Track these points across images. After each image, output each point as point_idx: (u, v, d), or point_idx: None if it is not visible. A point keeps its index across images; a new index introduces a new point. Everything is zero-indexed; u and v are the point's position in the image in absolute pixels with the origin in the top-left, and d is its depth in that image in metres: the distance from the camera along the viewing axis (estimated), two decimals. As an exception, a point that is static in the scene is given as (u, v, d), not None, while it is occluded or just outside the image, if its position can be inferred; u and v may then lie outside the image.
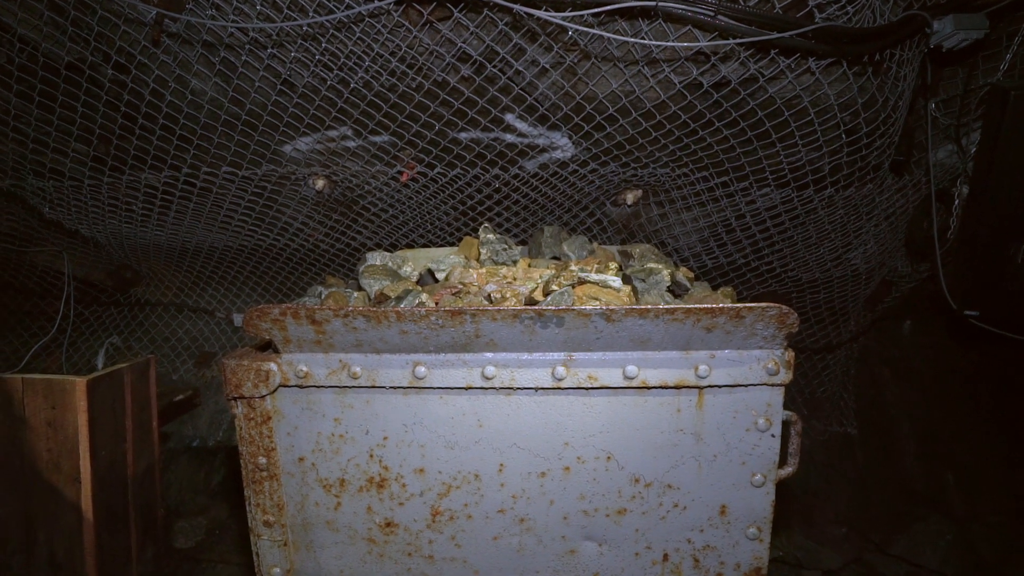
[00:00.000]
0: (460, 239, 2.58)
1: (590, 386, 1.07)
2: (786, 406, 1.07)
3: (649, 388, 1.04)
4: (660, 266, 1.41)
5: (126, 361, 2.07)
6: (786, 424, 1.08)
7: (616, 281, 1.28)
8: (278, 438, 1.23)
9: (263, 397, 1.20)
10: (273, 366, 1.18)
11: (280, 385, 1.19)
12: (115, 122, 2.03)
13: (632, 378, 1.04)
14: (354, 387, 1.17)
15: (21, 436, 1.83)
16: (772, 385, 1.04)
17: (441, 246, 2.62)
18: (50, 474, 1.87)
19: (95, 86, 1.92)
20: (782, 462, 1.08)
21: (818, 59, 1.63)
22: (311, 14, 1.56)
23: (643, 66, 1.63)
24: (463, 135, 2.01)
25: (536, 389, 1.11)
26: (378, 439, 1.19)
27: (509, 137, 2.06)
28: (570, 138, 2.10)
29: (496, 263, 1.64)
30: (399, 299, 1.26)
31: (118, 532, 2.06)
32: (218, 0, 1.60)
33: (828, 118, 1.79)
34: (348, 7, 1.53)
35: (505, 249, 1.65)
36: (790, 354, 1.04)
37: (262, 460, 1.25)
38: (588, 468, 1.11)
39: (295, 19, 1.56)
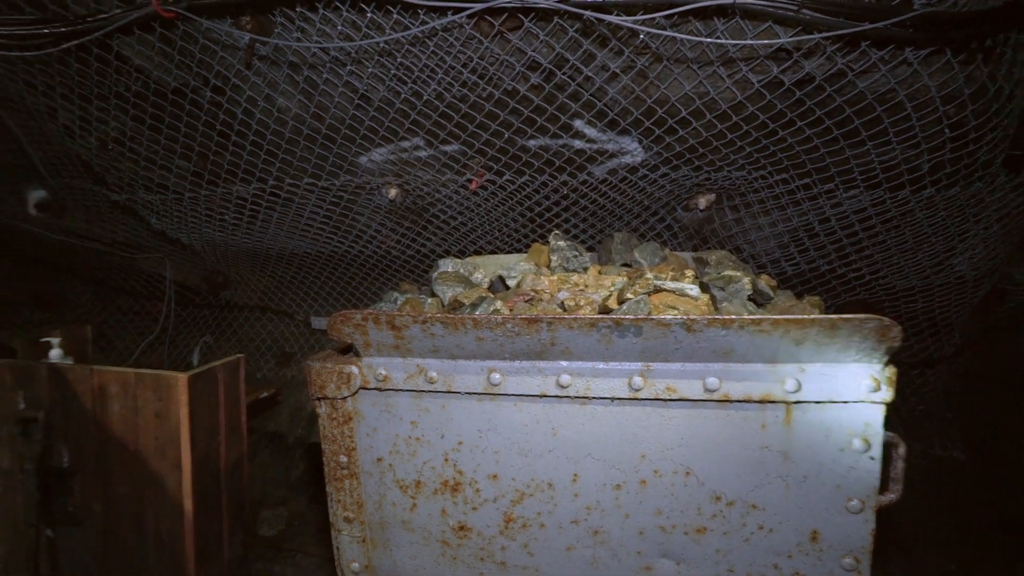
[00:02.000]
0: (527, 246, 2.60)
1: (668, 398, 1.04)
2: (886, 426, 0.99)
3: (731, 402, 1.00)
4: (739, 274, 1.35)
5: (217, 359, 2.23)
6: (888, 446, 0.99)
7: (694, 289, 1.24)
8: (358, 438, 1.29)
9: (345, 399, 1.26)
10: (354, 369, 1.23)
11: (361, 388, 1.24)
12: (212, 140, 2.21)
13: (713, 391, 1.00)
14: (430, 391, 1.20)
15: (136, 424, 2.02)
16: (871, 403, 0.97)
17: (508, 252, 2.65)
18: (157, 461, 2.05)
19: (196, 108, 2.10)
20: (883, 487, 1.00)
21: (917, 49, 1.50)
22: (387, 31, 1.62)
23: (718, 66, 1.58)
24: (532, 142, 2.02)
25: (612, 399, 1.09)
26: (453, 443, 1.21)
27: (578, 143, 2.05)
28: (640, 142, 2.06)
29: (567, 270, 1.63)
30: (474, 306, 1.29)
31: (212, 517, 2.22)
32: (303, 23, 1.70)
33: (928, 112, 1.65)
34: (423, 23, 1.59)
35: (576, 256, 1.64)
36: (892, 370, 0.97)
37: (343, 459, 1.31)
38: (666, 482, 1.07)
39: (372, 37, 1.64)
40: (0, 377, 2.11)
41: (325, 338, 3.66)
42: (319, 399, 1.29)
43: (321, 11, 1.59)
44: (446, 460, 1.23)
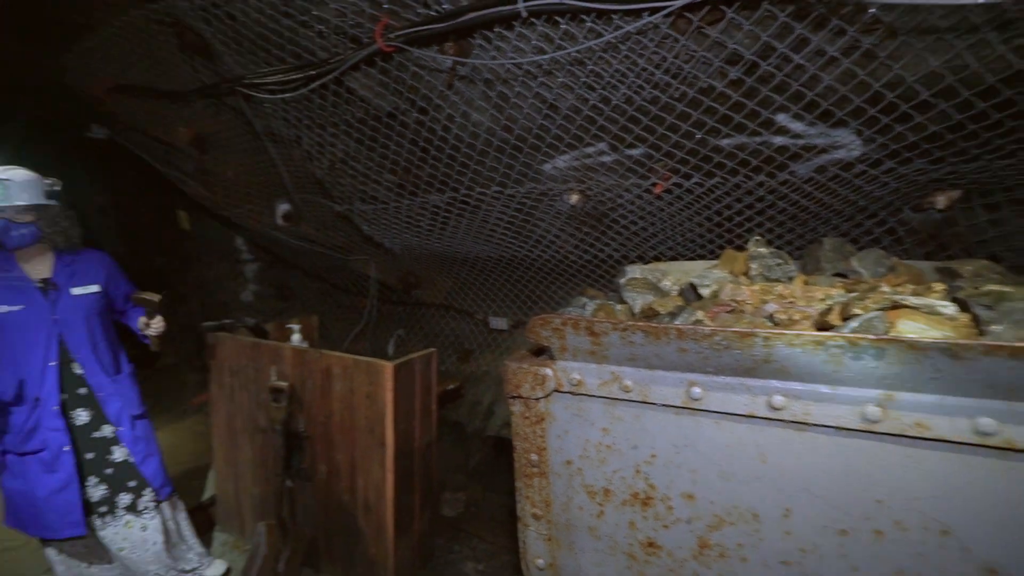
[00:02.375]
0: (712, 252, 2.43)
1: (918, 435, 0.87)
2: None
3: (1019, 451, 0.80)
4: (1013, 290, 1.09)
5: (408, 351, 2.50)
6: None
7: (948, 307, 1.03)
8: (549, 439, 1.32)
9: (538, 399, 1.31)
10: (549, 371, 1.27)
11: (554, 390, 1.28)
12: (415, 155, 2.48)
13: (989, 434, 0.81)
14: (624, 400, 1.18)
15: (352, 403, 2.36)
16: None
17: (690, 259, 2.51)
18: (367, 436, 2.37)
19: (403, 128, 2.38)
20: None
21: None
22: (580, 40, 1.65)
23: (987, 31, 1.29)
24: (725, 141, 1.88)
25: (838, 429, 0.96)
26: (646, 455, 1.18)
27: (779, 139, 1.86)
28: (859, 134, 1.79)
29: (768, 279, 1.48)
30: (672, 315, 1.24)
31: (408, 492, 2.49)
32: (499, 42, 1.81)
33: None
34: (617, 28, 1.58)
35: (779, 264, 1.48)
36: None
37: (534, 457, 1.35)
38: (911, 539, 0.91)
39: (565, 48, 1.68)
40: (260, 354, 2.64)
41: (501, 337, 3.87)
42: (514, 397, 1.36)
43: (517, 28, 1.67)
44: (637, 472, 1.20)
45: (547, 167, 2.26)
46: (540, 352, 1.44)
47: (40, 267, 2.15)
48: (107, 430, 2.22)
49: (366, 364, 2.30)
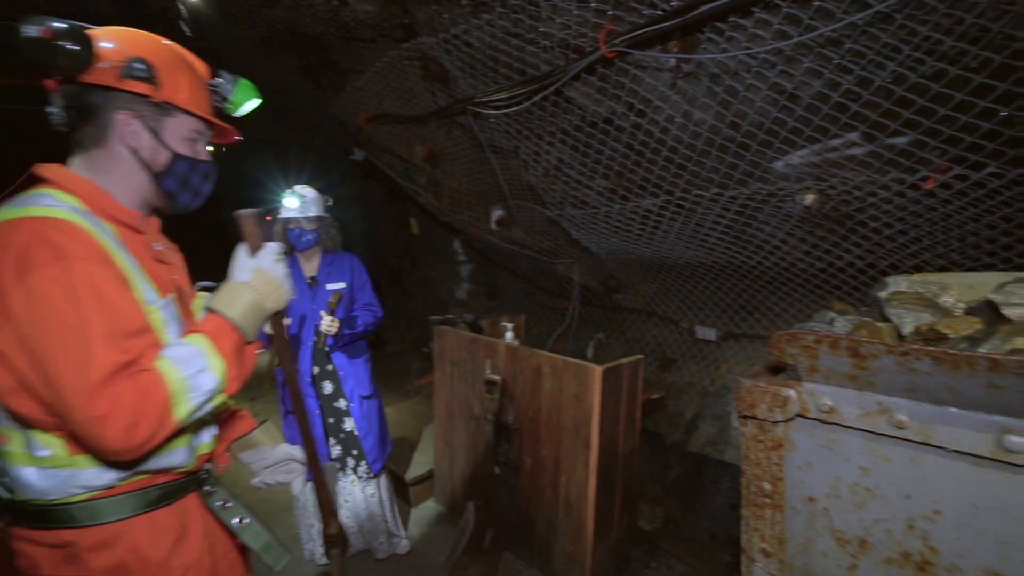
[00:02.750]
0: (1005, 260, 1.91)
1: None
2: None
3: None
4: None
5: (609, 355, 2.48)
6: None
7: None
8: (787, 469, 1.18)
9: (776, 423, 1.17)
10: (792, 393, 1.13)
11: (797, 415, 1.13)
12: (629, 159, 2.46)
13: None
14: (895, 438, 0.99)
15: (559, 402, 2.45)
16: None
17: (969, 269, 2.01)
18: (572, 436, 2.43)
19: (618, 132, 2.37)
20: None
21: None
22: (838, 16, 1.43)
23: None
24: (1045, 117, 1.45)
25: None
26: (925, 510, 0.97)
27: None
28: None
29: (1125, 299, 1.09)
30: (972, 340, 0.99)
31: (608, 496, 2.48)
32: (732, 33, 1.68)
33: None
34: (887, -6, 1.33)
35: None
36: None
37: (766, 486, 1.22)
38: None
39: (817, 27, 1.48)
40: (477, 348, 2.91)
41: (708, 348, 3.63)
42: (746, 417, 1.24)
43: (757, 14, 1.53)
44: (911, 528, 0.99)
45: (778, 165, 2.03)
46: (778, 370, 1.30)
47: (310, 265, 2.69)
48: (343, 403, 2.67)
49: (576, 366, 2.36)
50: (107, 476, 1.02)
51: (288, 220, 2.56)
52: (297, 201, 2.53)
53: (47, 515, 1.02)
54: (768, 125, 1.85)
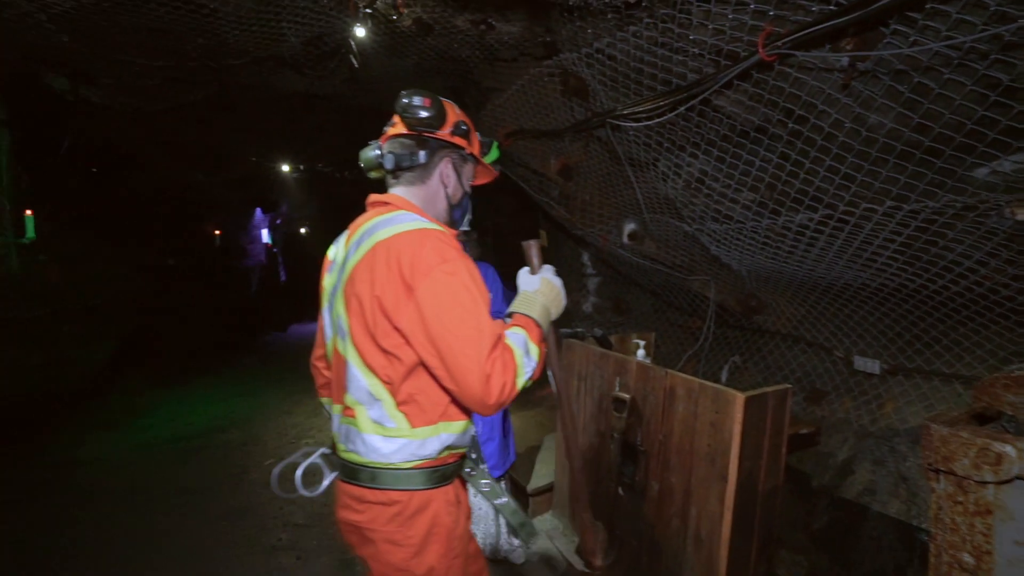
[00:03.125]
0: None
1: None
2: None
3: None
4: None
5: (745, 380, 2.26)
6: None
7: None
8: (998, 541, 0.97)
9: (984, 483, 0.98)
10: (1010, 450, 0.93)
11: (1016, 476, 0.93)
12: (783, 170, 2.25)
13: None
14: None
15: (693, 427, 2.30)
16: None
17: None
18: (706, 465, 2.27)
19: (773, 141, 2.19)
20: None
21: None
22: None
23: None
24: None
25: None
26: None
27: None
28: None
29: None
30: None
31: (744, 537, 2.27)
32: (927, 22, 1.46)
33: None
34: None
35: None
36: None
37: (966, 559, 1.02)
38: None
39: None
40: (606, 364, 2.85)
41: (869, 382, 3.18)
42: (938, 471, 1.05)
43: (963, -1, 1.31)
44: None
45: (981, 173, 1.72)
46: (985, 419, 1.09)
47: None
48: None
49: (714, 390, 2.20)
50: (429, 449, 1.26)
51: None
52: None
53: (381, 476, 1.26)
54: (970, 126, 1.57)
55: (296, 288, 12.18)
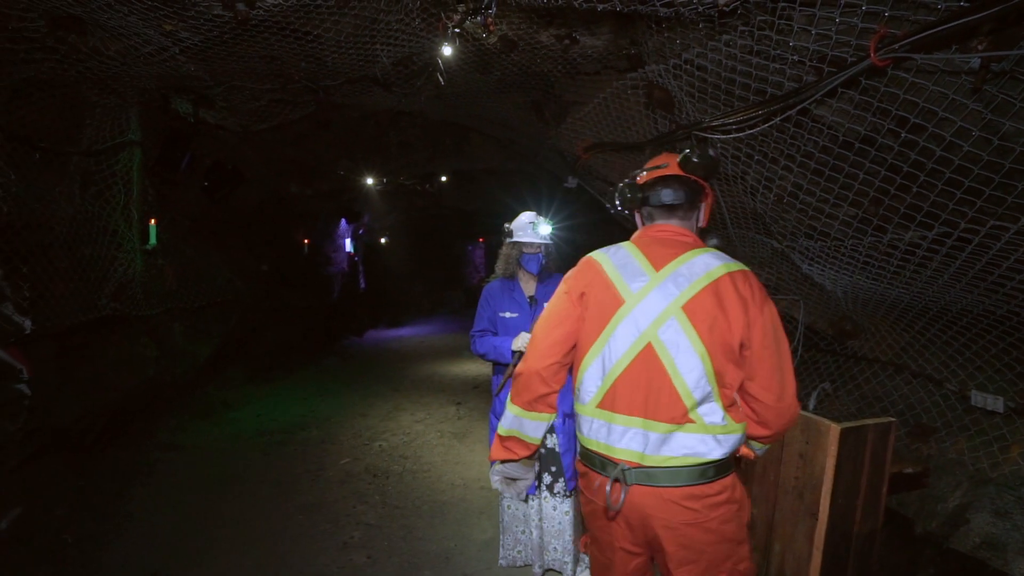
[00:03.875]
0: None
1: None
2: None
3: None
4: None
5: (835, 410, 2.07)
6: None
7: None
8: None
9: None
10: None
11: None
12: (893, 184, 2.07)
13: None
14: None
15: (779, 457, 2.15)
16: None
17: None
18: (793, 499, 2.10)
19: (881, 152, 2.02)
20: None
21: None
22: None
23: None
24: None
25: None
26: None
27: None
28: None
29: None
30: None
31: (837, 582, 2.08)
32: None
33: None
34: None
35: None
36: None
37: None
38: None
39: None
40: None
41: (988, 420, 2.83)
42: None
43: None
44: None
45: None
46: None
47: (529, 287, 2.83)
48: None
49: (804, 419, 2.04)
50: (734, 440, 1.48)
51: (525, 245, 2.74)
52: (548, 229, 2.72)
53: (714, 469, 1.45)
54: None
55: (374, 295, 12.76)
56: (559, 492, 2.72)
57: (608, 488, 1.47)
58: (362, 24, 2.80)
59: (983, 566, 2.70)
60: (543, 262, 2.74)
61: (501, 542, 2.95)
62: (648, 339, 1.46)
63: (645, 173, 1.66)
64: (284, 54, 2.98)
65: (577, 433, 1.68)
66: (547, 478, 2.74)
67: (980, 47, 1.47)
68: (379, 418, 5.97)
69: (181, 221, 5.17)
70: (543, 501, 2.76)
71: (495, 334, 2.80)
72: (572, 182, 4.67)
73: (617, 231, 5.28)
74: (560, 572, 2.83)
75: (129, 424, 4.77)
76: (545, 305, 2.76)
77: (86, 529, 3.50)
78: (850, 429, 1.95)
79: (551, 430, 2.73)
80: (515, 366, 2.73)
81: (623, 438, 1.49)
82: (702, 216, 1.68)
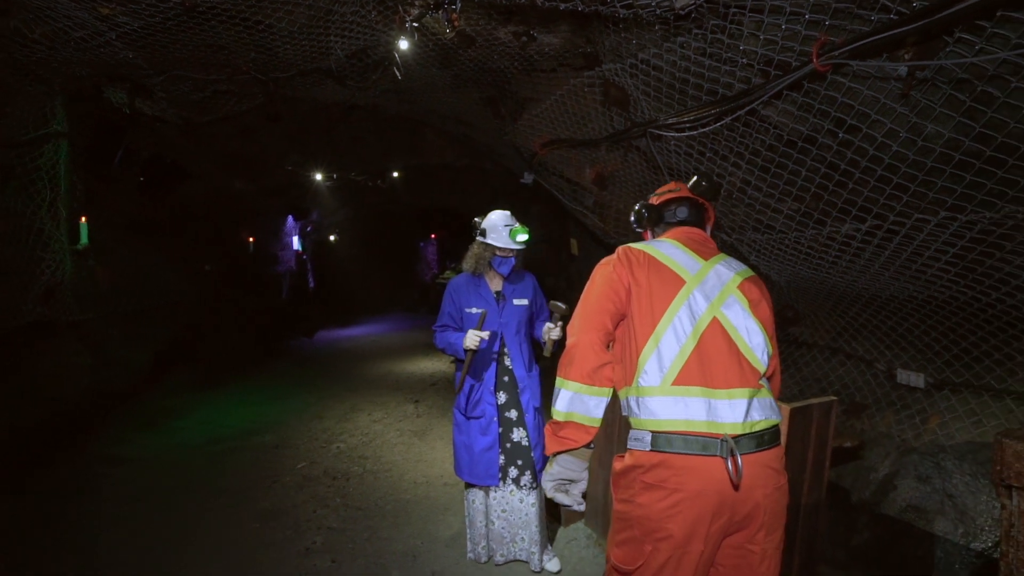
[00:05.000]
0: None
1: None
2: None
3: None
4: None
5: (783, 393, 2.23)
6: None
7: None
8: (1080, 557, 0.95)
9: (1066, 498, 0.96)
10: (1094, 464, 0.91)
11: (1101, 492, 0.91)
12: (831, 180, 2.23)
13: None
14: None
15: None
16: None
17: None
18: (748, 478, 2.24)
19: (821, 151, 2.18)
20: None
21: None
22: None
23: None
24: None
25: None
26: None
27: None
28: None
29: None
30: None
31: (787, 551, 2.22)
32: (998, 29, 1.44)
33: None
34: None
35: None
36: None
37: (1045, 574, 1.00)
38: None
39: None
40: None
41: (912, 396, 3.10)
42: (1009, 487, 1.04)
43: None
44: None
45: (1043, 183, 1.69)
46: (1064, 433, 1.06)
47: (496, 283, 2.85)
48: (514, 413, 2.77)
49: (757, 401, 2.18)
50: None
51: (499, 249, 2.72)
52: (525, 237, 2.70)
53: (775, 435, 1.49)
54: (1041, 137, 1.55)
55: (325, 294, 12.41)
56: (525, 485, 2.77)
57: (728, 463, 1.36)
58: (316, 15, 2.73)
59: (909, 527, 2.96)
60: (516, 265, 2.76)
61: (468, 536, 2.98)
62: (714, 313, 1.53)
63: (658, 197, 1.86)
64: (233, 43, 2.86)
65: (635, 420, 1.50)
66: (513, 471, 2.78)
67: (907, 56, 1.61)
68: (336, 420, 5.84)
69: (116, 219, 4.86)
70: (509, 494, 2.80)
71: (458, 329, 2.81)
72: (528, 178, 4.73)
73: (574, 226, 5.38)
74: (527, 562, 2.89)
75: (66, 438, 4.45)
76: (516, 303, 2.80)
77: (16, 557, 3.25)
78: (798, 408, 2.10)
79: (517, 423, 2.78)
80: (469, 364, 2.75)
81: (724, 410, 1.42)
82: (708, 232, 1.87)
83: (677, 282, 1.56)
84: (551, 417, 1.60)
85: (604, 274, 1.64)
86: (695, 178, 1.81)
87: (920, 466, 3.14)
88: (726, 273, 1.62)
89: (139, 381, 5.61)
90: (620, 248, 1.70)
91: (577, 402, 1.54)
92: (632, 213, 1.88)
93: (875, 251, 2.37)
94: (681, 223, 1.79)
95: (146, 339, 5.50)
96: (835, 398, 2.27)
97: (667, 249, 1.66)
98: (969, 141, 1.70)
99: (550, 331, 2.67)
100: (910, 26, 1.44)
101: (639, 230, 1.92)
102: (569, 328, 1.62)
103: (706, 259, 1.65)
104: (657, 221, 1.83)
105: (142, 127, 4.32)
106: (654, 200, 1.86)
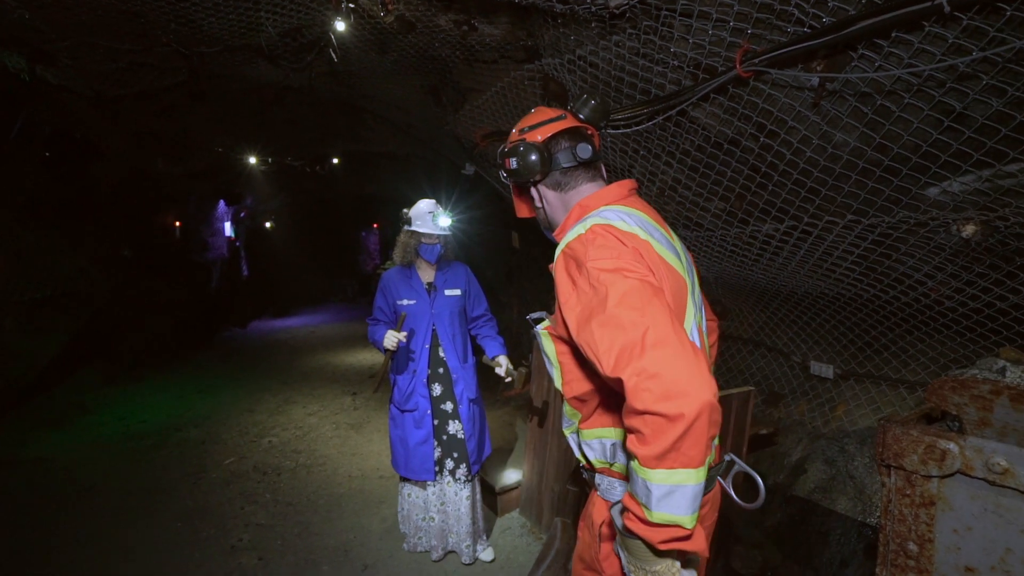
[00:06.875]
0: None
1: None
2: None
3: None
4: None
5: (735, 388, 2.35)
6: None
7: None
8: (939, 531, 1.06)
9: (930, 478, 1.06)
10: (953, 447, 1.02)
11: (959, 471, 1.02)
12: (753, 181, 2.35)
13: None
14: (1094, 512, 0.86)
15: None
16: None
17: None
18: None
19: (744, 153, 2.29)
20: None
21: None
22: None
23: None
24: None
25: None
26: None
27: None
28: None
29: None
30: None
31: (707, 535, 2.35)
32: (892, 49, 1.56)
33: None
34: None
35: None
36: None
37: (912, 547, 1.10)
38: None
39: (1010, 42, 1.34)
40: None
41: (823, 386, 3.35)
42: (889, 467, 1.14)
43: (929, 28, 1.42)
44: (1111, 619, 0.85)
45: (932, 192, 1.85)
46: (932, 419, 1.18)
47: (427, 274, 2.83)
48: (449, 405, 2.77)
49: (680, 391, 2.28)
50: None
51: (424, 235, 2.70)
52: (448, 221, 2.68)
53: None
54: (925, 148, 1.69)
55: (259, 284, 11.86)
56: (461, 478, 2.77)
57: (729, 486, 1.35)
58: (243, -13, 2.57)
59: (815, 506, 3.20)
60: (442, 252, 2.74)
61: (403, 530, 2.95)
62: (700, 325, 1.26)
63: (536, 130, 1.31)
64: (149, 11, 2.65)
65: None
66: (449, 463, 2.78)
67: (818, 68, 1.72)
68: (267, 413, 5.62)
69: (14, 199, 4.41)
70: (446, 486, 2.80)
71: (390, 323, 2.76)
72: (470, 169, 4.70)
73: (515, 220, 5.40)
74: (460, 554, 2.90)
75: (-49, 438, 4.03)
76: (448, 294, 2.78)
77: None
78: (719, 398, 2.21)
79: (453, 415, 2.77)
80: (386, 365, 2.72)
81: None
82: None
83: (681, 285, 1.17)
84: (653, 522, 0.99)
85: (645, 296, 1.01)
86: (584, 96, 1.33)
87: (827, 450, 3.40)
88: (687, 255, 1.31)
89: (42, 376, 5.16)
90: (606, 231, 1.11)
91: (691, 496, 0.98)
92: (507, 156, 1.31)
93: (792, 250, 2.52)
94: (580, 168, 1.28)
95: (50, 330, 5.05)
96: (752, 388, 2.41)
97: (644, 226, 1.17)
98: (871, 151, 1.84)
99: (499, 366, 2.71)
100: (819, 40, 1.53)
101: (517, 182, 1.34)
102: (655, 380, 0.95)
103: (667, 231, 1.26)
104: (550, 166, 1.28)
105: (45, 97, 3.94)
106: (536, 136, 1.29)
